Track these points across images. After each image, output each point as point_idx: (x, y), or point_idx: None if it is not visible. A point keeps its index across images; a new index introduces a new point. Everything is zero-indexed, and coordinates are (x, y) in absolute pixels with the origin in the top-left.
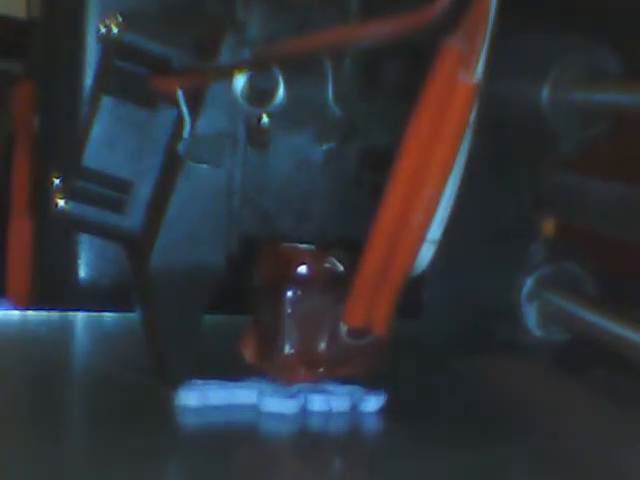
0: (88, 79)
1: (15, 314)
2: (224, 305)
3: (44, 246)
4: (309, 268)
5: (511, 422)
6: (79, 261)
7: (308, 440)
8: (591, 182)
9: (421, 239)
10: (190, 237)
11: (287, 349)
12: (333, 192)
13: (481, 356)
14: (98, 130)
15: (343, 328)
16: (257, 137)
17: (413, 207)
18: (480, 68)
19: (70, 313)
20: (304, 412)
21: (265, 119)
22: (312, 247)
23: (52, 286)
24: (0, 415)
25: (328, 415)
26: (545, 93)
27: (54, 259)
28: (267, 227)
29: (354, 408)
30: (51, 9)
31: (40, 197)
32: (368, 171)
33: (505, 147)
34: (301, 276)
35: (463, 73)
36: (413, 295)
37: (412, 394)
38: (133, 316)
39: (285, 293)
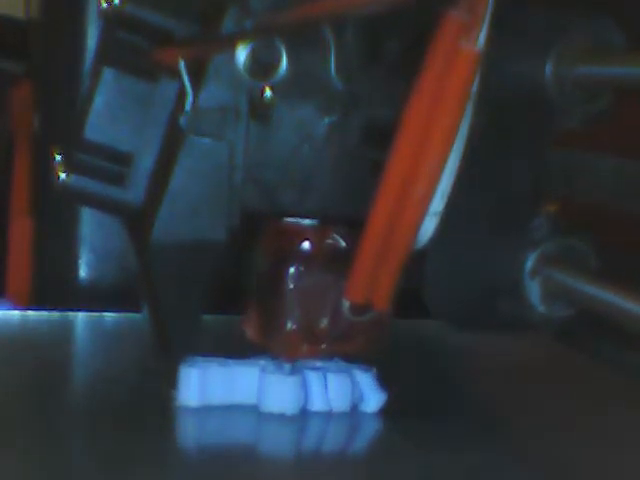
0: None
1: (15, 314)
2: (223, 305)
3: (44, 246)
4: (311, 244)
5: (511, 422)
6: (79, 261)
7: (308, 441)
8: (593, 156)
9: (423, 211)
10: (192, 211)
11: (289, 325)
12: (336, 166)
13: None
14: (100, 102)
15: (345, 304)
16: (259, 110)
17: (415, 179)
18: (482, 37)
19: (70, 313)
20: (304, 413)
21: (268, 92)
22: (314, 223)
23: (52, 286)
24: (0, 415)
25: (328, 416)
26: (548, 68)
27: (54, 259)
28: (269, 201)
29: (354, 408)
30: (51, 9)
31: (40, 197)
32: (370, 146)
33: (508, 122)
34: (303, 252)
35: (465, 41)
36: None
37: (412, 394)
38: (133, 316)
39: (287, 269)
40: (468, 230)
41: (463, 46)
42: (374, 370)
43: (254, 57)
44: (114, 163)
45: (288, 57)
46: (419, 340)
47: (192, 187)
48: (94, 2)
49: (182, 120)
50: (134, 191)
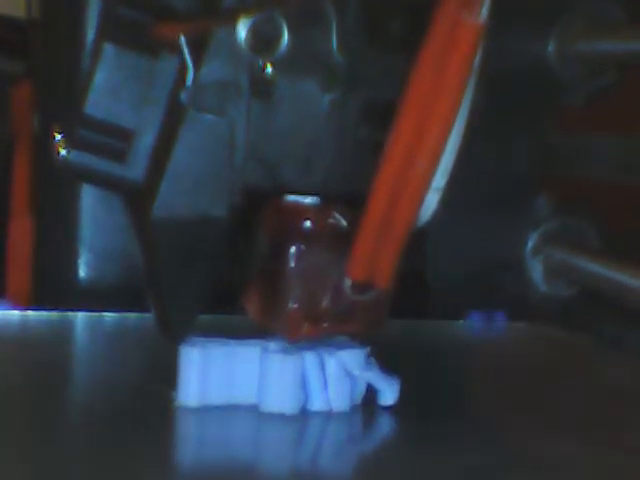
0: None
1: (15, 314)
2: (222, 305)
3: (44, 246)
4: (313, 223)
5: (511, 422)
6: (79, 261)
7: (308, 441)
8: (595, 134)
9: (425, 187)
10: (193, 187)
11: (291, 304)
12: (337, 143)
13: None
14: (100, 78)
15: (347, 283)
16: (261, 86)
17: (417, 154)
18: (485, 10)
19: (70, 313)
20: (304, 413)
21: (269, 68)
22: (316, 200)
23: (52, 286)
24: (0, 414)
25: (328, 415)
26: (551, 44)
27: (54, 259)
28: (271, 177)
29: (369, 404)
30: (51, 9)
31: (40, 197)
32: (371, 124)
33: (511, 99)
34: (305, 231)
35: (468, 14)
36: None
37: (412, 394)
38: (133, 316)
39: (289, 248)
40: (470, 209)
41: (465, 19)
42: (370, 349)
43: (255, 32)
44: (115, 139)
45: (289, 32)
46: (419, 340)
47: (193, 163)
48: (94, 2)
49: (183, 95)
50: (135, 167)
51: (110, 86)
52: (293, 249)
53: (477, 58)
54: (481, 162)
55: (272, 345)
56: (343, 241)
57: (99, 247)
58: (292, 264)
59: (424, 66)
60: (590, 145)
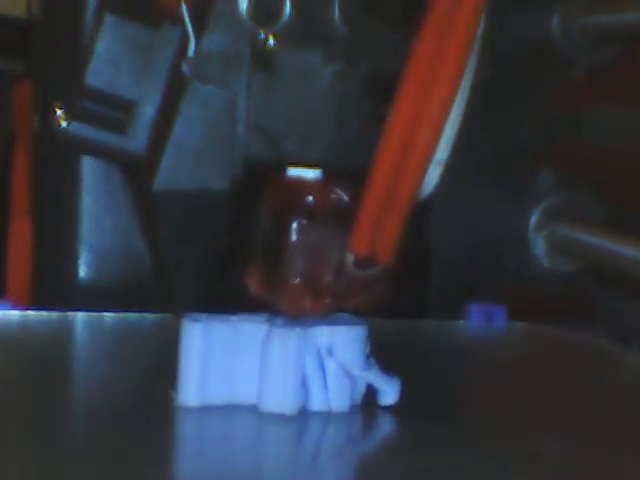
0: None
1: (15, 314)
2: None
3: (44, 246)
4: (315, 199)
5: (511, 422)
6: (79, 261)
7: (308, 441)
8: (597, 107)
9: (428, 158)
10: (195, 159)
11: (293, 279)
12: (339, 116)
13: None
14: (101, 49)
15: (349, 258)
16: (262, 57)
17: (420, 125)
18: None
19: (70, 313)
20: (304, 413)
21: (271, 40)
22: (318, 174)
23: (52, 286)
24: (0, 415)
25: (328, 416)
26: (555, 18)
27: (54, 259)
28: (272, 150)
29: (369, 403)
30: (51, 9)
31: (40, 197)
32: (373, 97)
33: (514, 73)
34: (307, 207)
35: None
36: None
37: (411, 394)
38: (133, 316)
39: (291, 223)
40: (472, 183)
41: None
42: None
43: (257, 3)
44: (116, 110)
45: (291, 4)
46: (419, 340)
47: (195, 135)
48: (94, 2)
49: (184, 67)
50: (136, 139)
51: (111, 57)
52: (295, 224)
53: (480, 29)
54: (484, 137)
55: (276, 321)
56: (345, 217)
57: (99, 247)
58: (294, 239)
59: (426, 37)
60: (593, 118)
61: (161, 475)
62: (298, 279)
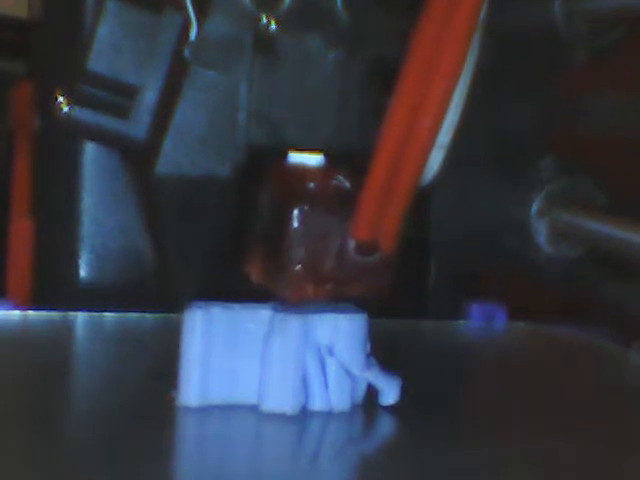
0: None
1: (15, 314)
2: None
3: (44, 246)
4: (317, 185)
5: (511, 422)
6: (80, 261)
7: (309, 441)
8: (600, 92)
9: (431, 142)
10: (196, 145)
11: (295, 265)
12: (341, 101)
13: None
14: (103, 34)
15: (351, 244)
16: (264, 43)
17: (422, 110)
18: None
19: (70, 313)
20: (304, 412)
21: (273, 25)
22: (320, 160)
23: (52, 286)
24: (0, 415)
25: (328, 415)
26: (557, 3)
27: (54, 259)
28: (274, 137)
29: (368, 403)
30: (51, 9)
31: (40, 197)
32: (376, 83)
33: (515, 59)
34: (309, 193)
35: None
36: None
37: (411, 394)
38: (134, 316)
39: (293, 209)
40: (474, 170)
41: None
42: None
43: None
44: (118, 96)
45: None
46: (419, 340)
47: (197, 120)
48: (94, 2)
49: (186, 51)
50: (137, 124)
51: (113, 42)
52: (297, 210)
53: (482, 14)
54: (484, 124)
55: (277, 308)
56: (347, 203)
57: (99, 247)
58: (296, 225)
59: (428, 22)
60: (595, 104)
61: (161, 475)
62: (299, 266)
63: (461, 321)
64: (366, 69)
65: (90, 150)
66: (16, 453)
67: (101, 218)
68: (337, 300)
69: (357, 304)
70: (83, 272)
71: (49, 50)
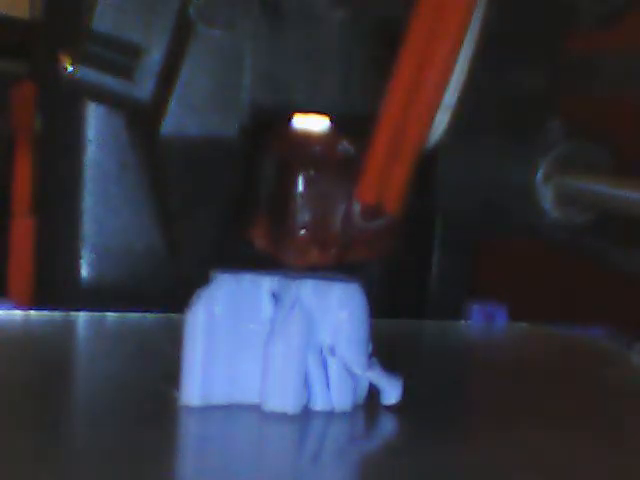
0: None
1: (17, 314)
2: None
3: (46, 246)
4: (322, 150)
5: (511, 422)
6: (81, 261)
7: (310, 440)
8: (608, 55)
9: (436, 102)
10: (202, 105)
11: (300, 230)
12: (346, 63)
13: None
14: None
15: (356, 209)
16: (270, 2)
17: (428, 69)
18: None
19: (72, 313)
20: (306, 412)
21: None
22: (325, 124)
23: (54, 286)
24: (1, 415)
25: (330, 415)
26: None
27: (56, 259)
28: (279, 97)
29: (369, 402)
30: (51, 9)
31: (41, 197)
32: (381, 43)
33: (523, 21)
34: (314, 158)
35: None
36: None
37: (412, 394)
38: (134, 316)
39: (297, 174)
40: (479, 135)
41: None
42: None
43: None
44: (122, 56)
45: None
46: (419, 340)
47: (202, 81)
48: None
49: (191, 10)
50: (142, 85)
51: (117, 1)
52: (302, 174)
53: None
54: (491, 87)
55: (285, 274)
56: (352, 168)
57: (101, 247)
58: (301, 190)
59: None
60: (603, 67)
61: (163, 474)
62: (305, 230)
63: (461, 321)
64: (372, 30)
65: (92, 150)
66: (18, 452)
67: (102, 218)
68: (342, 265)
69: (360, 275)
70: (84, 272)
71: (49, 50)
